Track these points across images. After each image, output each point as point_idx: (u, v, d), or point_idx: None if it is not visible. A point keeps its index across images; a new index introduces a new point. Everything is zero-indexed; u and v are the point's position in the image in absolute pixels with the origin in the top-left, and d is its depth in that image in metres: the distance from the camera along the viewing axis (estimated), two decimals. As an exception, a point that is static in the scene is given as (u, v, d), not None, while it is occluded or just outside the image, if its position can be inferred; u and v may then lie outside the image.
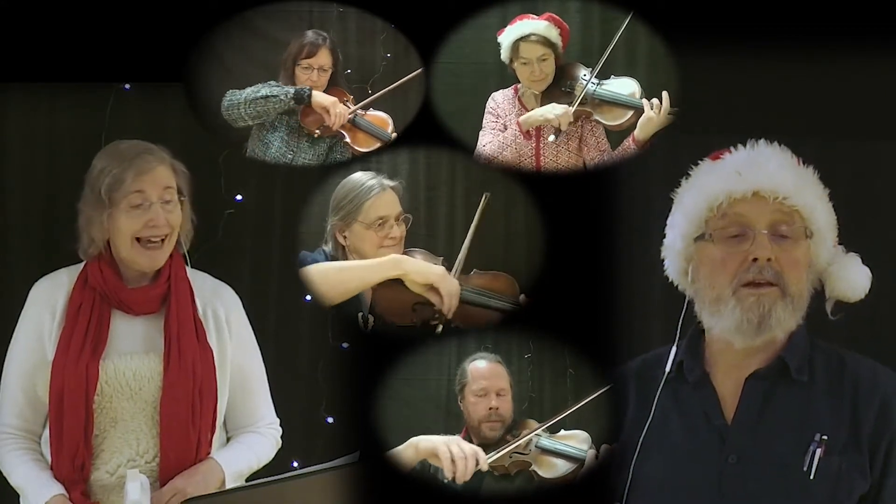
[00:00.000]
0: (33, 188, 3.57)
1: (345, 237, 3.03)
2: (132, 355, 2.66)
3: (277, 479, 2.47)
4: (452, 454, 2.64)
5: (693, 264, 2.31)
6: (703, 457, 2.25)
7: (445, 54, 3.33)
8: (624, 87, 3.25)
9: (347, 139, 3.33)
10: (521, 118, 3.27)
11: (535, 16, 3.25)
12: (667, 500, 2.26)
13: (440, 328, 3.03)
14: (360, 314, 3.05)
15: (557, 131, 3.24)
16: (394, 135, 3.32)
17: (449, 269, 3.05)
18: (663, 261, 2.40)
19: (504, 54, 3.27)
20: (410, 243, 3.11)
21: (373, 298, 3.05)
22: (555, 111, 3.23)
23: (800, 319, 2.27)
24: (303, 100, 3.29)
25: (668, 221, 2.39)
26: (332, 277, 2.98)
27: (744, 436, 2.24)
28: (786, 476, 2.19)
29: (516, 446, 3.07)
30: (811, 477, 2.16)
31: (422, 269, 2.98)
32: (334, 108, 3.29)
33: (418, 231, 3.25)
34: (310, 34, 3.33)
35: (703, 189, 2.30)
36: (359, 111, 3.33)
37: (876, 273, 3.53)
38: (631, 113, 3.22)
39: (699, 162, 2.39)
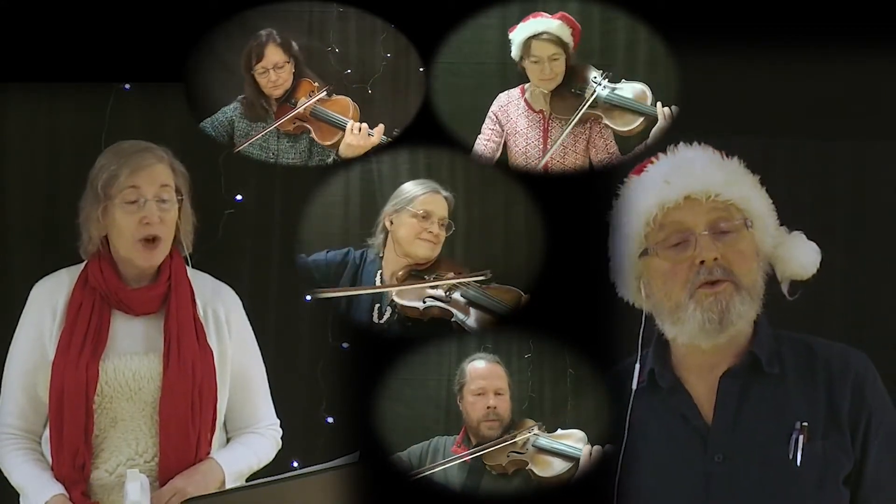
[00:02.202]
0: (33, 188, 3.57)
1: (391, 222, 3.14)
2: (132, 355, 2.66)
3: (277, 479, 2.47)
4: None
5: (643, 280, 2.31)
6: (686, 459, 2.25)
7: (445, 54, 3.33)
8: (635, 92, 3.24)
9: (313, 134, 3.30)
10: None
11: (547, 14, 3.24)
12: None
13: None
14: (376, 305, 3.11)
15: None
16: (352, 121, 3.25)
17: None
18: (614, 284, 2.39)
19: (515, 51, 3.26)
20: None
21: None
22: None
23: (759, 308, 2.27)
24: None
25: (608, 244, 2.38)
26: None
27: (725, 434, 2.24)
28: (772, 468, 2.19)
29: (512, 444, 3.08)
30: (797, 464, 2.17)
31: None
32: None
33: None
34: (256, 37, 3.29)
35: (635, 206, 2.30)
36: (319, 102, 3.29)
37: (876, 273, 3.54)
38: (641, 119, 3.22)
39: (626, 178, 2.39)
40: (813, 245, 2.31)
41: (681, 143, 2.35)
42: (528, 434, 3.11)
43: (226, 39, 3.35)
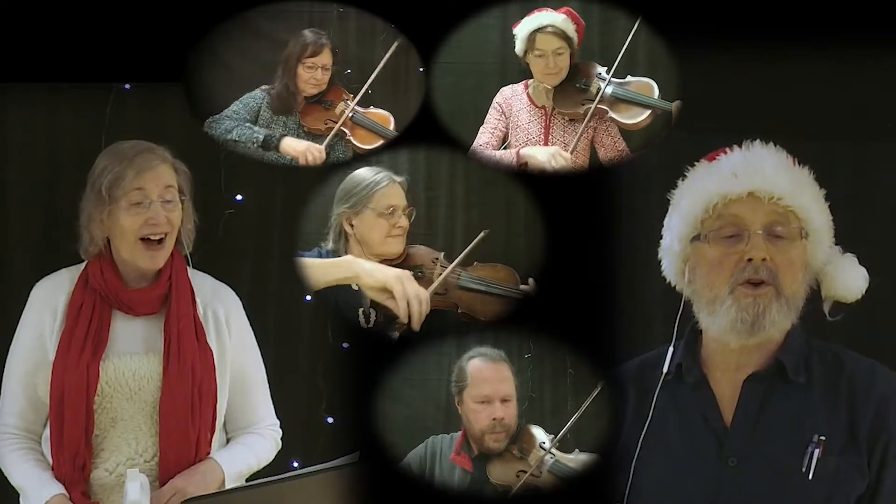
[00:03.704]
0: (33, 188, 3.57)
1: (352, 225, 3.02)
2: (132, 355, 2.66)
3: (277, 479, 2.47)
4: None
5: (690, 265, 2.32)
6: (701, 458, 2.25)
7: (445, 54, 3.33)
8: (641, 86, 3.23)
9: (350, 137, 3.32)
10: (523, 151, 3.24)
11: (552, 9, 3.23)
12: (666, 502, 2.27)
13: (396, 334, 2.96)
14: (360, 310, 3.04)
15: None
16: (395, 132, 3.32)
17: (450, 263, 3.04)
18: (660, 262, 2.41)
19: (519, 46, 3.26)
20: (409, 241, 3.10)
21: None
22: (554, 160, 3.20)
23: (794, 319, 2.27)
24: (270, 146, 3.29)
25: (664, 223, 2.40)
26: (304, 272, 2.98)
27: (742, 438, 2.24)
28: (784, 478, 2.19)
29: (526, 467, 2.95)
30: (809, 478, 2.17)
31: (373, 272, 2.85)
32: (309, 153, 3.28)
33: (418, 230, 3.24)
34: (309, 34, 3.33)
35: (699, 190, 2.31)
36: (358, 108, 3.33)
37: (875, 274, 3.53)
38: (648, 112, 3.21)
39: (697, 162, 2.40)
40: (863, 271, 2.34)
41: (757, 141, 2.36)
42: (542, 454, 2.95)
43: (226, 39, 3.35)
